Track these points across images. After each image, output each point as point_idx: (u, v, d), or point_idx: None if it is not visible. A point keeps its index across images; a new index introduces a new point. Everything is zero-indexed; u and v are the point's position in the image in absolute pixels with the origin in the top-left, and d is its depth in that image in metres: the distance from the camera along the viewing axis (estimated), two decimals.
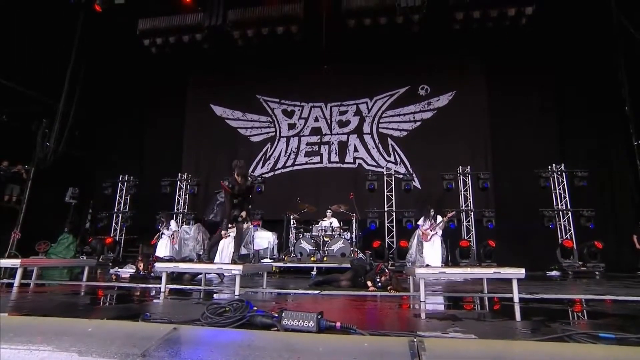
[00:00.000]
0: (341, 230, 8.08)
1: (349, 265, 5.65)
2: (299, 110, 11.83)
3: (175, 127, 12.19)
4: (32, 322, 1.96)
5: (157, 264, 4.54)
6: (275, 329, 1.95)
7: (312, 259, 7.54)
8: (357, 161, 11.13)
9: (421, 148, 10.78)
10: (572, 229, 8.94)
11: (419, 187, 10.40)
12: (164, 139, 12.19)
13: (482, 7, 8.17)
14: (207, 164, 11.55)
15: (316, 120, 11.66)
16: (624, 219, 9.16)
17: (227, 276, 5.60)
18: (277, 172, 11.45)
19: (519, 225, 9.24)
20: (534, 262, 8.15)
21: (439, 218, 7.28)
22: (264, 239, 8.36)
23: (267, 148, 11.68)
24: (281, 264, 7.70)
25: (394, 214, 9.88)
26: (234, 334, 1.79)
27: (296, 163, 11.43)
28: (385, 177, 10.14)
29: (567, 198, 9.13)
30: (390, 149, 11.03)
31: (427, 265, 6.30)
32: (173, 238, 7.88)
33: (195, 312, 2.48)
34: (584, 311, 3.34)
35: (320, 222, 8.34)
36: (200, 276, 5.46)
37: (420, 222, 7.52)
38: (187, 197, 11.02)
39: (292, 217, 8.64)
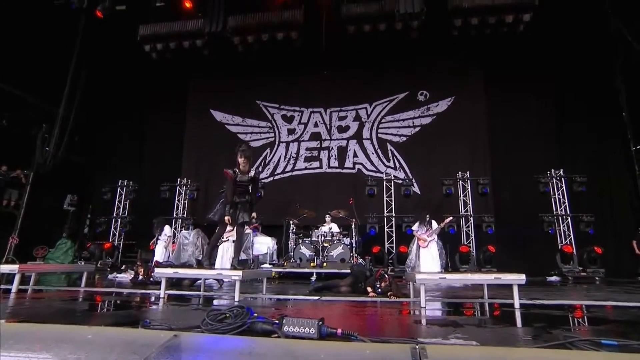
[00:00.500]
0: (341, 236, 8.07)
1: (348, 271, 5.64)
2: (298, 115, 11.86)
3: (176, 132, 12.20)
4: (31, 329, 1.94)
5: (157, 270, 4.52)
6: (276, 335, 1.93)
7: (312, 264, 7.50)
8: (357, 166, 11.14)
9: (420, 153, 10.80)
10: (571, 234, 8.94)
11: (419, 193, 10.41)
12: (164, 144, 12.19)
13: (480, 13, 8.25)
14: (206, 169, 11.54)
15: (316, 125, 11.69)
16: (623, 224, 9.16)
17: (227, 282, 5.58)
18: (277, 177, 11.44)
19: (519, 231, 9.24)
20: (533, 267, 8.14)
21: (434, 224, 7.23)
22: (264, 244, 8.32)
23: (267, 153, 11.69)
24: (280, 270, 7.68)
25: (393, 219, 9.87)
26: (234, 341, 1.77)
27: (296, 168, 11.43)
28: (384, 183, 10.14)
29: (567, 203, 9.13)
30: (390, 154, 11.05)
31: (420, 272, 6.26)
32: (173, 243, 7.86)
33: (195, 319, 2.46)
34: (585, 317, 3.33)
35: (320, 227, 8.32)
36: (199, 281, 5.44)
37: (415, 227, 7.43)
38: (186, 202, 10.99)
39: (291, 222, 8.62)
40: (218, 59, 10.32)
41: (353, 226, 8.16)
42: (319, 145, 11.49)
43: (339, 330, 1.95)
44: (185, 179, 11.17)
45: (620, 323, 2.97)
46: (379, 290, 4.47)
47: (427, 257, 7.13)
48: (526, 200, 9.48)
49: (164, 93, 12.38)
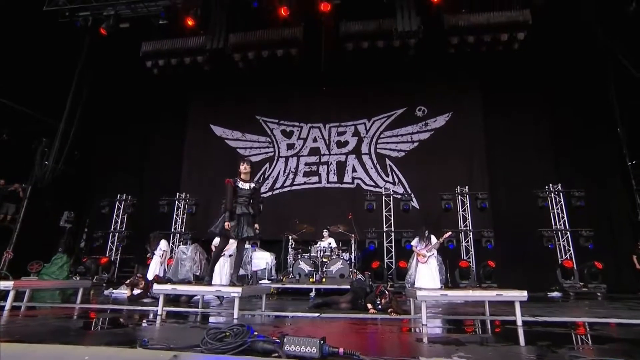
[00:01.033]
0: (340, 251, 8.01)
1: (348, 287, 5.58)
2: (297, 130, 11.95)
3: (175, 147, 12.24)
4: (27, 350, 1.91)
5: (155, 286, 4.46)
6: (277, 355, 1.91)
7: (311, 280, 7.43)
8: (356, 181, 11.17)
9: (419, 168, 10.86)
10: (571, 249, 8.91)
11: (418, 207, 10.40)
12: (164, 158, 12.21)
13: (476, 32, 8.43)
14: (206, 183, 11.52)
15: (315, 140, 11.76)
16: (622, 238, 9.15)
17: (226, 298, 5.50)
18: (276, 192, 11.44)
19: (518, 246, 9.21)
20: (534, 282, 8.08)
21: (434, 239, 7.17)
22: (262, 260, 8.25)
23: (266, 168, 11.72)
24: (279, 285, 7.59)
25: (392, 234, 9.83)
26: None
27: (295, 183, 11.44)
28: (383, 197, 10.14)
29: (565, 218, 9.14)
30: (389, 169, 11.10)
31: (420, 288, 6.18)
32: (170, 258, 7.76)
33: (194, 337, 2.42)
34: (589, 335, 3.28)
35: (319, 242, 8.27)
36: (196, 297, 5.37)
37: (414, 242, 7.35)
38: (184, 216, 10.94)
39: (290, 237, 8.57)
40: (218, 75, 10.45)
41: (352, 241, 8.12)
42: (318, 160, 11.54)
43: (341, 350, 1.93)
44: (184, 194, 11.15)
45: (624, 341, 2.93)
46: (379, 306, 4.42)
47: (427, 273, 7.03)
48: (525, 215, 9.48)
49: (164, 108, 12.49)
